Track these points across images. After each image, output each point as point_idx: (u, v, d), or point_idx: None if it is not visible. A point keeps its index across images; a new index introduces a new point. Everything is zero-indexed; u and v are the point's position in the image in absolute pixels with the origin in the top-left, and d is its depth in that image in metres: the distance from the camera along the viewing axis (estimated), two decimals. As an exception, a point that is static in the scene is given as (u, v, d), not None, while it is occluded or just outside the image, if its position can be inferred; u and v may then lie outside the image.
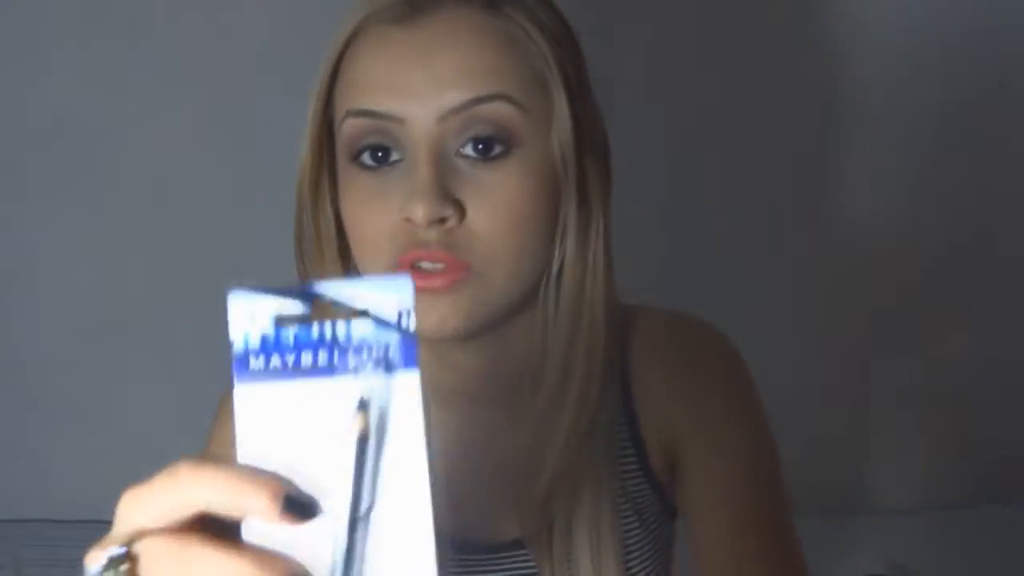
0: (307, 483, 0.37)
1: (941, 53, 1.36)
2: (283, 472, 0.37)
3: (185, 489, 0.37)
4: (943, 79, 1.37)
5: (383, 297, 0.38)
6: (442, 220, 0.60)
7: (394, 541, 0.37)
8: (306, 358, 0.38)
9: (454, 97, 0.60)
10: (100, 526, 1.50)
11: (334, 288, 0.38)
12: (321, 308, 0.39)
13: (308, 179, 0.68)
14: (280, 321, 0.38)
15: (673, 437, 0.73)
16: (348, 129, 0.63)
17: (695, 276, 1.34)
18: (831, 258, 1.41)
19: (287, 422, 0.37)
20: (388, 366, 0.38)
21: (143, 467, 1.45)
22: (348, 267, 0.71)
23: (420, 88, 0.60)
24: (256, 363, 0.38)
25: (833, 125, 1.39)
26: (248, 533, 0.36)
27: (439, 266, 0.60)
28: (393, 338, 0.38)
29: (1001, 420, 1.49)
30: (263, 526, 0.36)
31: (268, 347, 0.38)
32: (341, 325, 0.38)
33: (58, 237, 1.35)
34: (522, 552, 0.70)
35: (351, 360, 0.38)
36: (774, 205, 1.40)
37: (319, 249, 0.70)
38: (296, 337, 0.38)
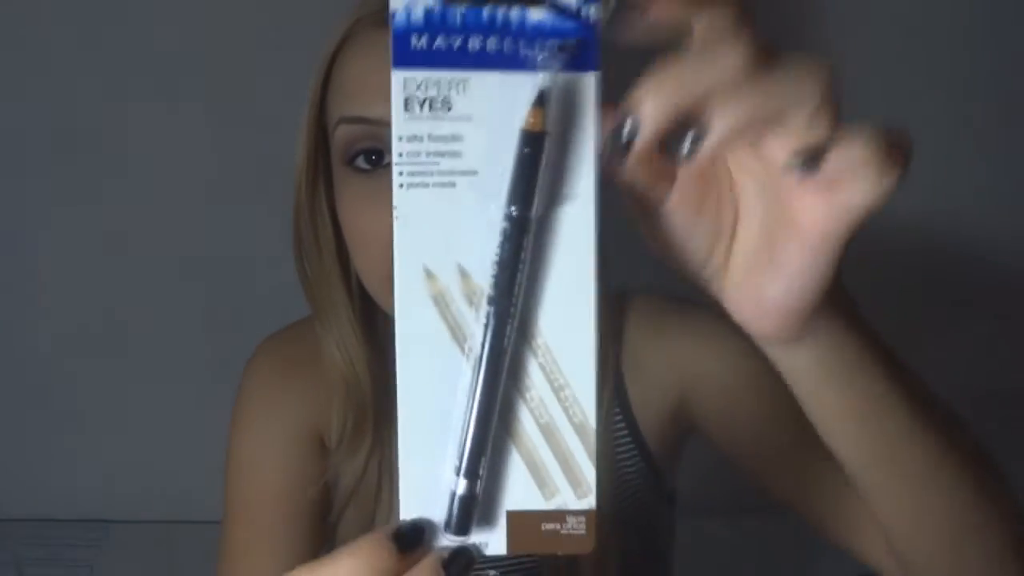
0: (477, 189, 0.34)
1: (941, 53, 1.36)
2: (441, 171, 0.34)
3: None
4: (943, 79, 1.37)
5: None
6: None
7: (560, 248, 0.35)
8: (474, 43, 0.35)
9: None
10: (100, 526, 1.51)
11: None
12: None
13: (304, 184, 0.69)
14: None
15: (675, 400, 0.73)
16: (341, 135, 0.64)
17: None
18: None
19: (451, 115, 0.35)
20: (566, 61, 0.34)
21: (143, 467, 1.45)
22: (347, 269, 0.71)
23: None
24: (418, 42, 0.35)
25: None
26: None
27: None
28: (573, 30, 0.35)
29: (1001, 420, 1.49)
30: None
31: (433, 26, 0.35)
32: (516, 10, 0.34)
33: (58, 237, 1.35)
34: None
35: (525, 50, 0.34)
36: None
37: (318, 252, 0.70)
38: (465, 18, 0.34)
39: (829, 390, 0.43)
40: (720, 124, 0.33)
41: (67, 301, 1.36)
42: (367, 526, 0.75)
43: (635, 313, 0.76)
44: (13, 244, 1.35)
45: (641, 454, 0.76)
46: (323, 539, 0.76)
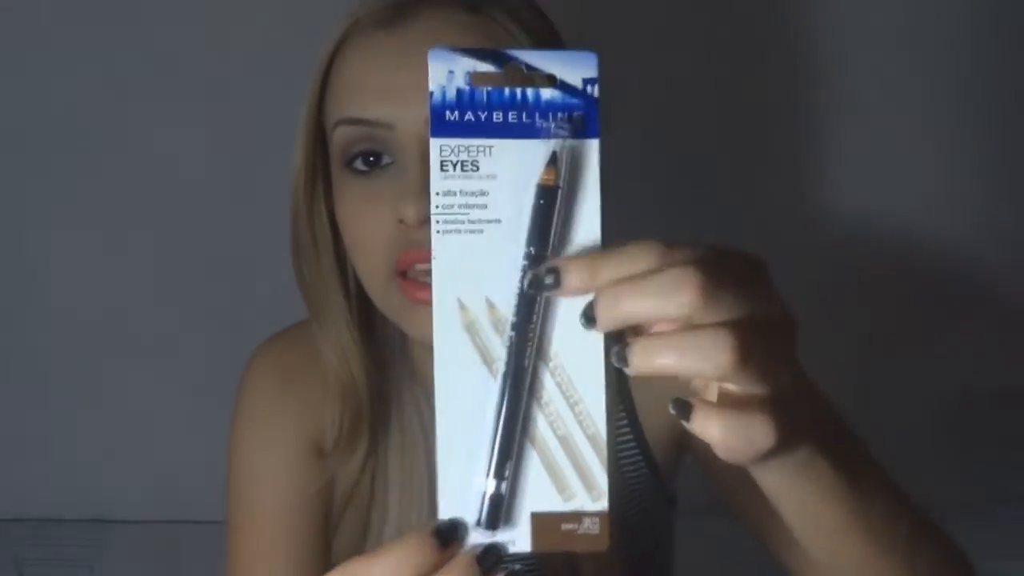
0: (501, 234, 0.42)
1: (941, 52, 1.36)
2: (471, 220, 0.42)
3: None
4: (943, 79, 1.37)
5: (569, 67, 0.43)
6: None
7: None
8: (497, 116, 0.42)
9: None
10: (100, 526, 1.50)
11: (526, 54, 0.43)
12: (513, 71, 0.43)
13: (303, 186, 0.69)
14: (475, 80, 0.43)
15: None
16: (339, 137, 0.64)
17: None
18: (831, 258, 1.41)
19: (478, 174, 0.42)
20: (574, 130, 0.43)
21: (143, 467, 1.45)
22: (344, 272, 0.71)
23: (406, 92, 0.61)
24: (451, 115, 0.42)
25: (833, 125, 1.39)
26: None
27: None
28: (578, 105, 0.43)
29: (1003, 420, 1.49)
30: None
31: (463, 103, 0.42)
32: (531, 90, 0.43)
33: (58, 237, 1.36)
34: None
35: (539, 121, 0.42)
36: (773, 205, 1.40)
37: (315, 254, 0.71)
38: (489, 96, 0.43)
39: (793, 504, 0.48)
40: (637, 361, 0.39)
41: (67, 301, 1.37)
42: (363, 529, 0.75)
43: None
44: (13, 244, 1.35)
45: (646, 462, 0.76)
46: (329, 544, 0.76)
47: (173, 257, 1.37)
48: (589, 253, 0.41)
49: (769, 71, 1.36)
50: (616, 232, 0.70)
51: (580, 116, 0.43)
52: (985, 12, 1.36)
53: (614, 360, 0.40)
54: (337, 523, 0.77)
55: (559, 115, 0.43)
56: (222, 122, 1.33)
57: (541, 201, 0.42)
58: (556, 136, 0.42)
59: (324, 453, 0.76)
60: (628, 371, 0.39)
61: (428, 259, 0.60)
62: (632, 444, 0.76)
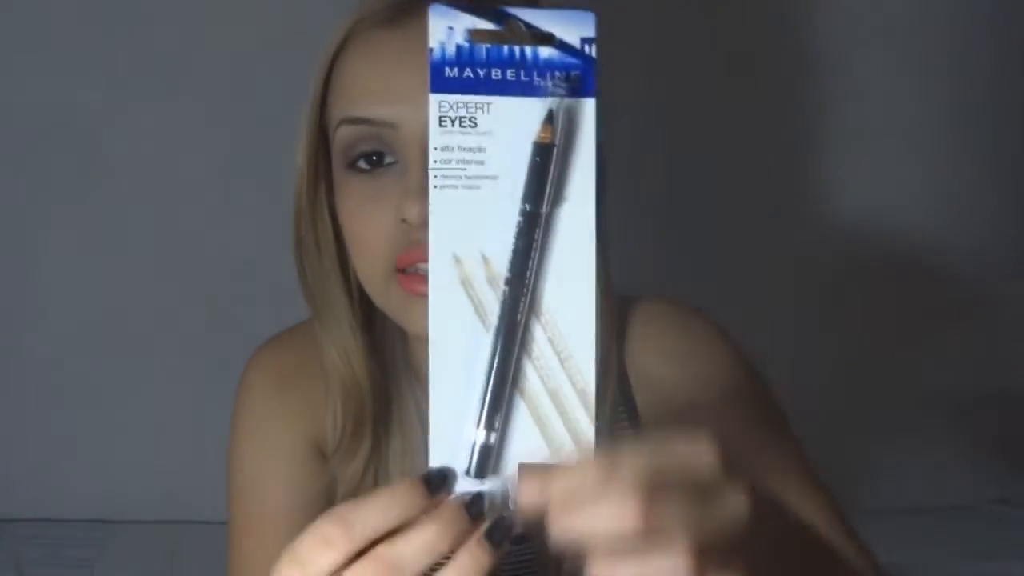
0: (497, 190, 0.43)
1: (940, 52, 1.36)
2: (468, 175, 0.42)
3: (358, 532, 0.40)
4: (942, 79, 1.37)
5: (568, 26, 0.44)
6: None
7: (564, 239, 0.43)
8: (496, 73, 0.43)
9: None
10: (100, 526, 1.50)
11: (525, 12, 0.43)
12: (512, 28, 0.43)
13: (305, 186, 0.68)
14: (474, 36, 0.43)
15: (680, 404, 0.74)
16: (342, 136, 0.64)
17: (695, 276, 1.35)
18: (831, 258, 1.41)
19: (476, 131, 0.43)
20: (570, 89, 0.43)
21: (143, 467, 1.45)
22: (346, 272, 0.71)
23: (409, 91, 0.61)
24: (450, 72, 0.43)
25: (834, 125, 1.39)
26: None
27: None
28: (576, 64, 0.43)
29: (1001, 420, 1.49)
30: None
31: (463, 59, 0.43)
32: (529, 48, 0.43)
33: (58, 237, 1.36)
34: (522, 544, 0.70)
35: (536, 79, 0.43)
36: (774, 205, 1.40)
37: (317, 254, 0.71)
38: (488, 53, 0.43)
39: None
40: None
41: (67, 301, 1.37)
42: None
43: (638, 318, 0.76)
44: (13, 244, 1.35)
45: None
46: None
47: (173, 257, 1.37)
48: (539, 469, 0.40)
49: (769, 70, 1.36)
50: (618, 232, 0.70)
51: (577, 75, 0.43)
52: (985, 12, 1.36)
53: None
54: None
55: (556, 73, 0.43)
56: (222, 122, 1.33)
57: (537, 158, 0.42)
58: (553, 94, 0.43)
59: (325, 455, 0.76)
60: None
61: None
62: (632, 434, 0.76)
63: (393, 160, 0.63)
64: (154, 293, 1.38)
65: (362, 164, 0.64)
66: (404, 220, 0.61)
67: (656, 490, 0.38)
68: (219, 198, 1.36)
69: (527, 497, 0.40)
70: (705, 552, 0.38)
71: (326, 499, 0.76)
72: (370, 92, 0.63)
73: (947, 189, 1.42)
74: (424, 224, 0.60)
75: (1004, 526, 1.42)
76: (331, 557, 0.40)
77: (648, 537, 0.38)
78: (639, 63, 1.30)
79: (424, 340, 0.68)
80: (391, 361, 0.76)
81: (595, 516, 0.38)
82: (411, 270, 0.63)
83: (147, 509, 1.41)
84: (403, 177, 0.62)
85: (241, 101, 1.32)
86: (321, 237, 0.70)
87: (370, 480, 0.75)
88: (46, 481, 1.42)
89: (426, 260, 0.61)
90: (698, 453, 0.40)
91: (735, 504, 0.40)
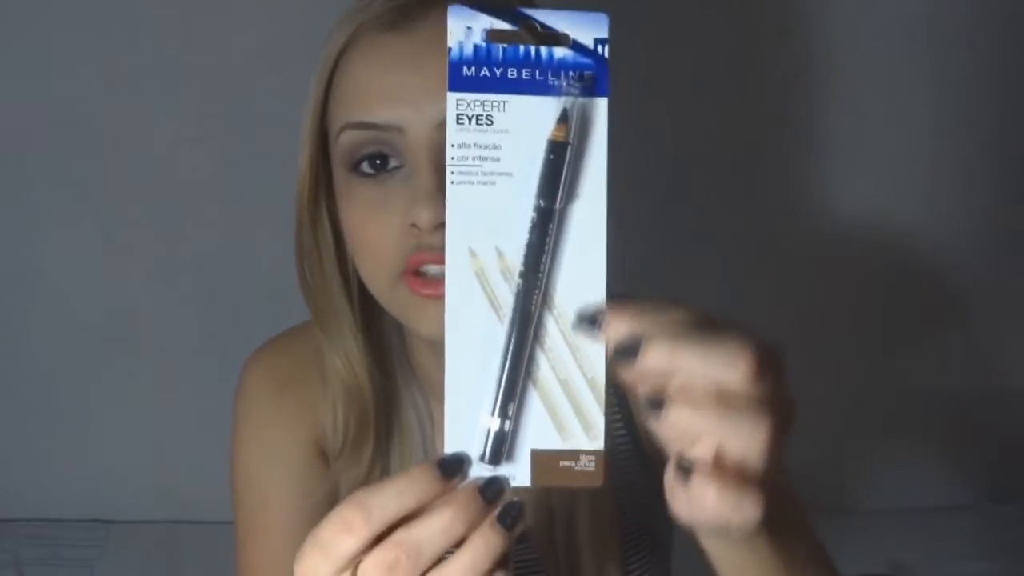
0: (512, 186, 0.44)
1: (940, 52, 1.36)
2: (484, 172, 0.44)
3: (376, 517, 0.42)
4: (942, 79, 1.38)
5: (582, 27, 0.45)
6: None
7: (577, 234, 0.45)
8: (512, 72, 0.44)
9: None
10: (100, 526, 1.50)
11: (541, 14, 0.45)
12: (528, 29, 0.45)
13: (307, 191, 0.68)
14: (491, 36, 0.44)
15: None
16: (346, 141, 0.64)
17: (694, 276, 1.34)
18: (830, 258, 1.41)
19: (492, 128, 0.44)
20: (584, 88, 0.44)
21: (143, 467, 1.45)
22: (346, 276, 0.71)
23: (416, 95, 0.61)
24: (468, 71, 0.44)
25: (834, 125, 1.39)
26: None
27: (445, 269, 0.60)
28: (589, 64, 0.45)
29: (1001, 420, 1.49)
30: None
31: (480, 59, 0.44)
32: (544, 48, 0.44)
33: (58, 237, 1.36)
34: (524, 543, 0.70)
35: (551, 79, 0.44)
36: (774, 205, 1.40)
37: (319, 259, 0.70)
38: (505, 53, 0.44)
39: (730, 570, 0.50)
40: (675, 418, 0.42)
41: (68, 302, 1.37)
42: None
43: None
44: (13, 244, 1.35)
45: (640, 461, 0.76)
46: None
47: (173, 258, 1.38)
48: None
49: (769, 71, 1.37)
50: (617, 232, 0.70)
51: (591, 75, 0.44)
52: (985, 12, 1.36)
53: (647, 408, 0.42)
54: None
55: (571, 73, 0.44)
56: (222, 122, 1.33)
57: (551, 156, 0.44)
58: (567, 94, 0.44)
59: (327, 456, 0.76)
60: (656, 427, 0.42)
61: (439, 261, 0.60)
62: (626, 442, 0.76)
63: (398, 164, 0.63)
64: (154, 293, 1.38)
65: (366, 168, 0.63)
66: (414, 225, 0.61)
67: (761, 353, 0.41)
68: (219, 198, 1.36)
69: (620, 324, 0.42)
70: (780, 428, 0.41)
71: (329, 502, 0.76)
72: (374, 95, 0.62)
73: (945, 189, 1.42)
74: (434, 228, 0.60)
75: (1003, 526, 1.42)
76: (352, 542, 0.41)
77: (741, 388, 0.40)
78: (639, 63, 1.30)
79: (430, 341, 0.68)
80: (390, 363, 0.76)
81: (709, 353, 0.41)
82: (419, 272, 0.62)
83: (147, 509, 1.41)
84: (410, 181, 0.62)
85: (241, 102, 1.32)
86: (321, 241, 0.70)
87: (374, 482, 0.75)
88: (46, 481, 1.42)
89: (434, 262, 0.61)
90: (776, 351, 0.43)
91: (789, 399, 0.43)
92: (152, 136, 1.34)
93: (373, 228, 0.64)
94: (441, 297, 0.62)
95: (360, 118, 0.63)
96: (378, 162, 0.63)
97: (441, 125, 0.60)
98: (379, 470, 0.75)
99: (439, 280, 0.61)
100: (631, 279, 0.77)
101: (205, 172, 1.36)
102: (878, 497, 1.48)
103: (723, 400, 0.41)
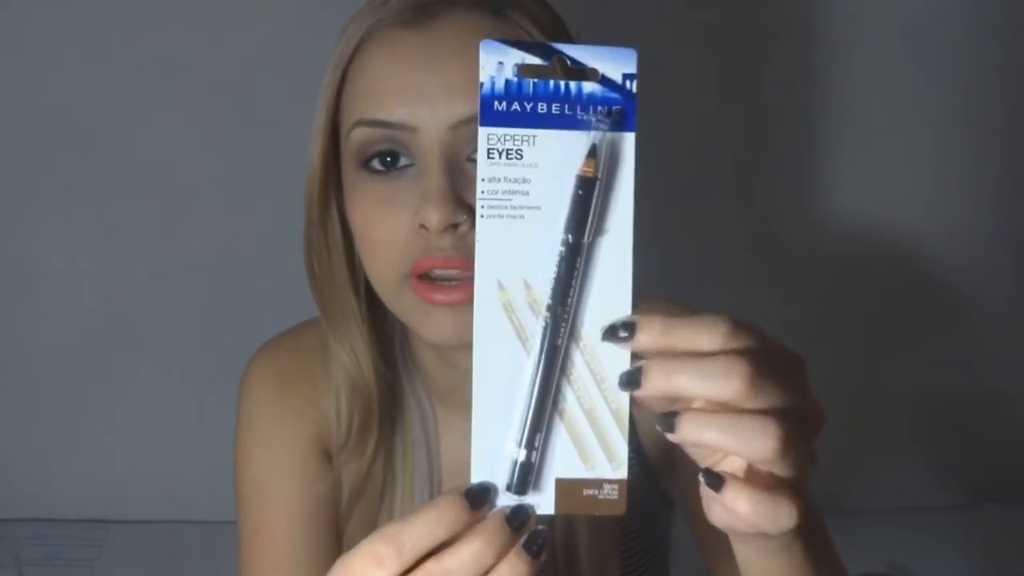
0: (540, 220, 0.45)
1: (940, 52, 1.36)
2: (513, 206, 0.45)
3: (408, 551, 0.42)
4: (942, 79, 1.38)
5: (610, 62, 0.46)
6: (455, 226, 0.60)
7: (604, 269, 0.45)
8: (542, 107, 0.45)
9: (465, 106, 0.60)
10: (100, 526, 1.50)
11: (571, 49, 0.45)
12: (558, 63, 0.45)
13: (318, 187, 0.68)
14: (522, 71, 0.45)
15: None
16: (358, 137, 0.63)
17: (694, 276, 1.35)
18: (830, 258, 1.41)
19: (522, 162, 0.45)
20: (613, 123, 0.45)
21: (143, 467, 1.45)
22: (353, 269, 0.71)
23: (431, 95, 0.61)
24: (499, 105, 0.45)
25: (834, 125, 1.39)
26: None
27: (452, 272, 0.60)
28: (618, 99, 0.46)
29: (1001, 420, 1.49)
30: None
31: (511, 94, 0.45)
32: (574, 83, 0.45)
33: (58, 237, 1.36)
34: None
35: (580, 114, 0.45)
36: (773, 205, 1.40)
37: (327, 254, 0.70)
38: (535, 88, 0.45)
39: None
40: (684, 430, 0.43)
41: (67, 301, 1.37)
42: (371, 527, 0.75)
43: None
44: (13, 244, 1.35)
45: (642, 467, 0.76)
46: (341, 544, 0.76)
47: (173, 257, 1.38)
48: (663, 318, 0.44)
49: (769, 71, 1.37)
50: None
51: (619, 110, 0.45)
52: (985, 12, 1.36)
53: (658, 423, 0.43)
54: (346, 522, 0.77)
55: (599, 108, 0.45)
56: (222, 122, 1.33)
57: (580, 191, 0.45)
58: (596, 129, 0.45)
59: (330, 453, 0.76)
60: (671, 436, 0.43)
61: (446, 266, 0.60)
62: (629, 448, 0.76)
63: (409, 163, 0.63)
64: (154, 293, 1.38)
65: (376, 165, 0.63)
66: (423, 226, 0.61)
67: (758, 364, 0.42)
68: (219, 198, 1.36)
69: (646, 342, 0.43)
70: (791, 432, 0.42)
71: (331, 497, 0.76)
72: (388, 93, 0.62)
73: (946, 189, 1.42)
74: (442, 230, 0.60)
75: (1001, 526, 1.42)
76: (383, 575, 0.42)
77: (742, 403, 0.42)
78: (639, 63, 1.30)
79: (441, 346, 0.68)
80: (394, 357, 0.77)
81: (703, 374, 0.42)
82: (427, 276, 0.62)
83: (147, 509, 1.41)
84: (420, 181, 0.61)
85: (241, 101, 1.32)
86: (330, 237, 0.70)
87: (377, 477, 0.75)
88: (46, 481, 1.42)
89: (442, 267, 0.61)
90: (791, 354, 0.45)
91: (813, 404, 0.44)
92: (152, 136, 1.34)
93: (381, 225, 0.64)
94: (446, 304, 0.62)
95: (373, 115, 0.63)
96: (389, 159, 0.63)
97: (455, 126, 0.60)
98: (381, 463, 0.75)
99: (445, 284, 0.61)
100: (631, 279, 0.77)
101: (205, 172, 1.36)
102: (878, 497, 1.48)
103: (726, 414, 0.42)
